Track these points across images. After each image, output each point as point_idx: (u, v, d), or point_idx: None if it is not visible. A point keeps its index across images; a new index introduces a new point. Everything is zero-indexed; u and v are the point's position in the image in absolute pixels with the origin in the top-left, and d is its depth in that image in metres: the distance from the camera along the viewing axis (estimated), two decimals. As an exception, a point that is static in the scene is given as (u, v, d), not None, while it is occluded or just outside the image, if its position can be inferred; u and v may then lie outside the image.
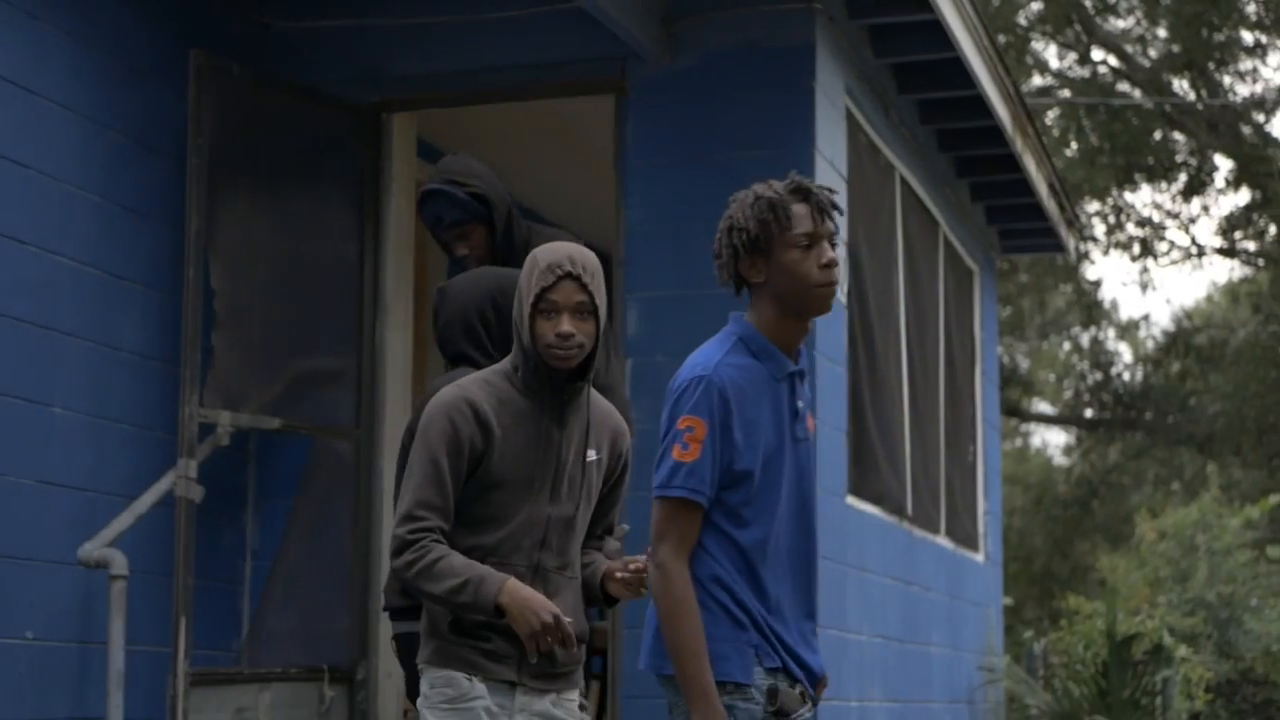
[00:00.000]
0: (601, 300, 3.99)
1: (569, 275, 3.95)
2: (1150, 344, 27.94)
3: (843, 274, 7.59)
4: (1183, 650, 10.98)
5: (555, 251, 3.95)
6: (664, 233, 7.36)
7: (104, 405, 6.81)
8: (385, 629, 7.47)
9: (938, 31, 7.91)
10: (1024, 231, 11.50)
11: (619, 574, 3.99)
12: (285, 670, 7.15)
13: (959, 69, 8.37)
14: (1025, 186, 10.28)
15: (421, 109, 8.00)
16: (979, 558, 10.79)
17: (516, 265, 5.73)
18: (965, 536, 10.39)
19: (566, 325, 3.90)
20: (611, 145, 7.63)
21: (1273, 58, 28.56)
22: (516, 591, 3.79)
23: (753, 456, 3.75)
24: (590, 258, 3.99)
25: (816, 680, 3.88)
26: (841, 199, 7.57)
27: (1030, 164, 9.95)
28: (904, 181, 9.01)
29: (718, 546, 3.75)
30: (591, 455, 4.05)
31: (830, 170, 7.43)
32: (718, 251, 3.94)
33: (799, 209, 3.88)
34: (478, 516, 3.93)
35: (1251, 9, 22.26)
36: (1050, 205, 10.76)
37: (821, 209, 3.89)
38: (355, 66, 7.80)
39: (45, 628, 6.46)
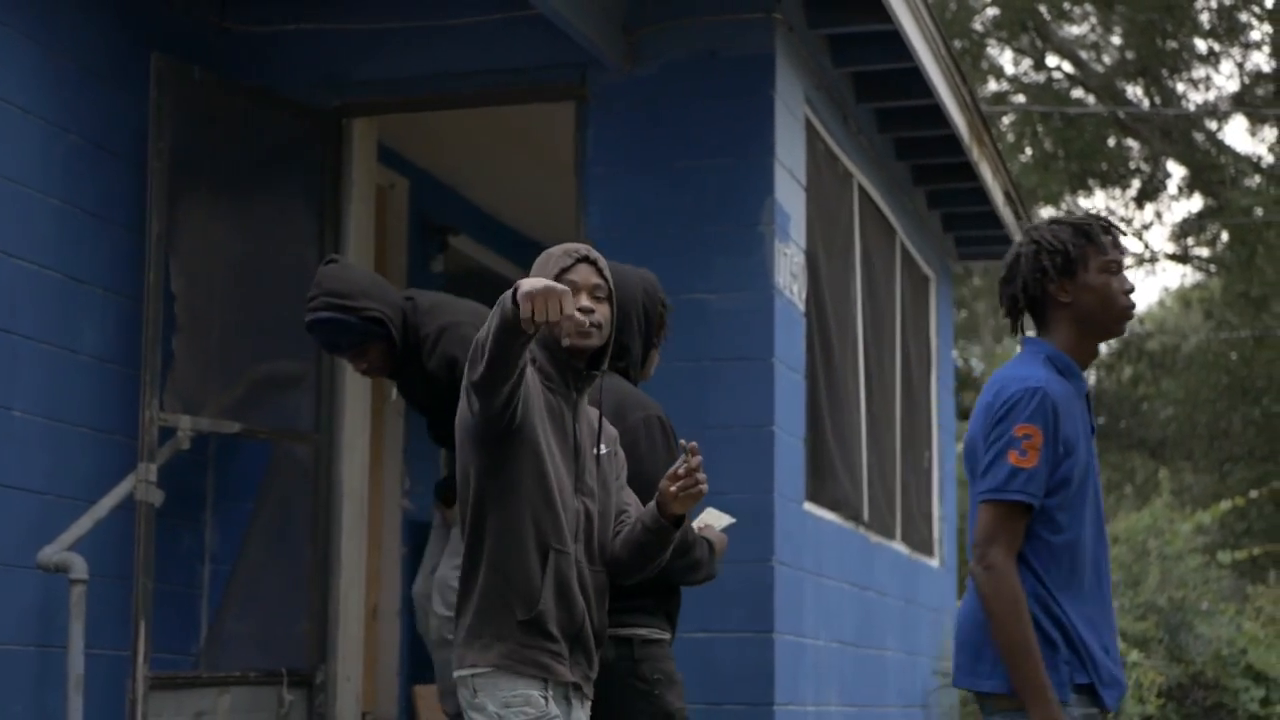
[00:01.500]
0: (614, 292, 4.09)
1: (586, 259, 4.06)
2: (1103, 348, 28.13)
3: (801, 281, 7.64)
4: (1135, 655, 11.07)
5: (567, 244, 4.09)
6: (623, 239, 7.39)
7: (64, 409, 6.80)
8: (344, 632, 7.51)
9: (896, 41, 7.97)
10: (980, 239, 11.58)
11: (672, 488, 3.96)
12: (244, 674, 7.16)
13: (917, 78, 8.43)
14: (981, 194, 10.36)
15: (382, 114, 8.01)
16: (934, 563, 10.86)
17: (420, 361, 5.86)
18: (920, 542, 10.45)
19: (586, 301, 3.98)
20: (572, 151, 7.66)
21: (1225, 66, 28.72)
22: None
23: (1070, 465, 3.96)
24: (599, 255, 4.10)
25: (1121, 693, 4.06)
26: (799, 207, 7.63)
27: (986, 172, 10.02)
28: (862, 189, 9.07)
29: (1034, 553, 3.95)
30: (604, 449, 4.11)
31: (789, 178, 7.48)
32: (1013, 274, 4.13)
33: (1105, 237, 4.12)
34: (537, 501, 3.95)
35: (1205, 17, 22.43)
36: (1006, 213, 10.83)
37: (1119, 241, 4.14)
38: (316, 71, 7.81)
39: (4, 632, 6.45)
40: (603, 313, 4.01)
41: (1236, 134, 48.58)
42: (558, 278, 4.00)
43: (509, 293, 3.67)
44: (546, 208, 10.26)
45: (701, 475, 3.94)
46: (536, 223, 10.82)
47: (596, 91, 7.52)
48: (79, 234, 6.93)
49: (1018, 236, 11.20)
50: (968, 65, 22.36)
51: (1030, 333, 4.16)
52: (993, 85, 24.17)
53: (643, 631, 4.40)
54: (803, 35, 7.79)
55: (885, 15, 7.69)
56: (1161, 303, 32.80)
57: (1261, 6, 22.58)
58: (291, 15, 7.82)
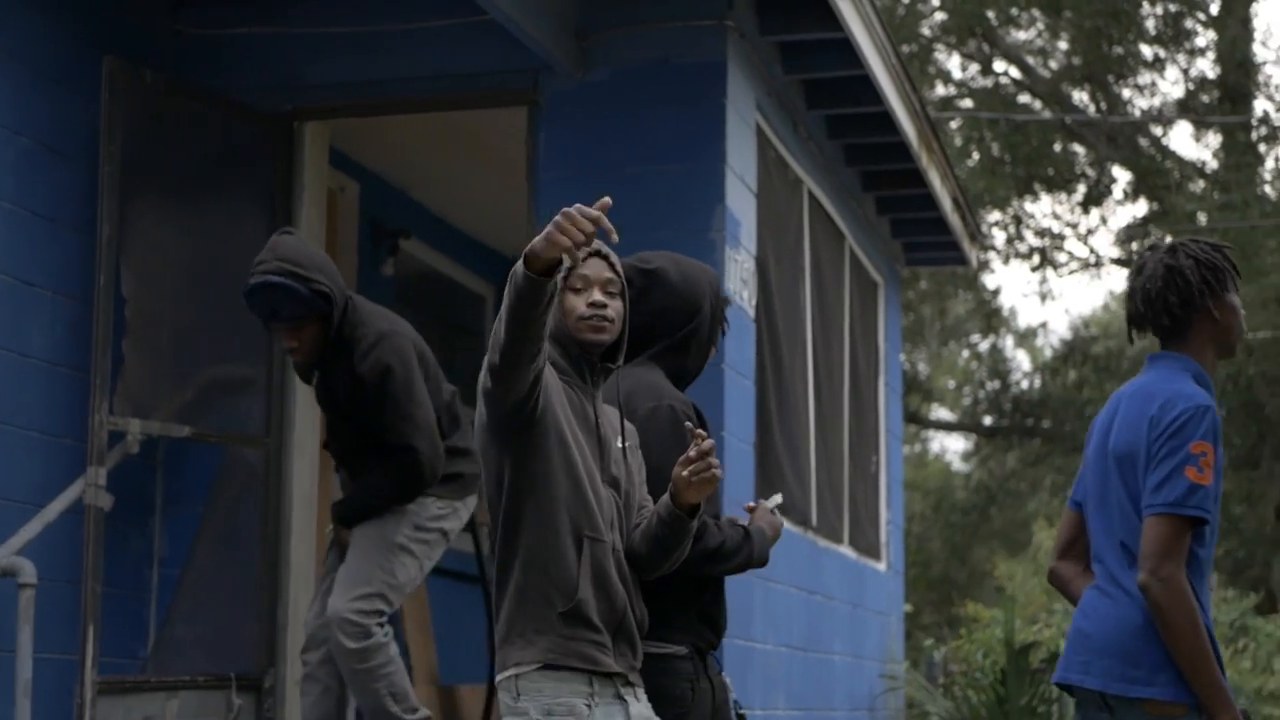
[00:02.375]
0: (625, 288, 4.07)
1: (598, 253, 4.02)
2: (1048, 352, 28.29)
3: (751, 287, 7.68)
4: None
5: None
6: (575, 245, 7.41)
7: (13, 412, 6.78)
8: (294, 636, 7.50)
9: (847, 49, 8.02)
10: (928, 245, 11.65)
11: (684, 473, 3.87)
12: (193, 678, 7.15)
13: (867, 86, 8.49)
14: (930, 201, 10.43)
15: (334, 118, 8.01)
16: (881, 567, 10.92)
17: (350, 360, 5.88)
18: (868, 546, 10.51)
19: (599, 295, 3.96)
20: (524, 156, 7.68)
21: (1170, 72, 28.93)
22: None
23: (1220, 479, 4.14)
24: (610, 250, 4.08)
25: None
26: (750, 213, 7.67)
27: (935, 179, 10.09)
28: (811, 195, 9.12)
29: (1189, 567, 4.08)
30: (624, 443, 4.07)
31: (740, 185, 7.52)
32: (1171, 286, 4.25)
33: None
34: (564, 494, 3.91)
35: (1150, 24, 22.59)
36: (954, 220, 10.91)
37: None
38: (268, 75, 7.81)
39: (-48, 636, 6.44)
40: (615, 308, 3.97)
41: (1181, 140, 48.86)
42: (570, 272, 3.96)
43: (519, 262, 3.62)
44: (498, 212, 10.27)
45: (714, 460, 3.87)
46: (488, 227, 10.83)
47: (548, 97, 7.54)
48: (29, 237, 6.91)
49: (965, 244, 11.17)
50: (916, 69, 22.47)
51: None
52: (940, 90, 24.29)
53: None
54: (754, 42, 7.83)
55: (836, 23, 7.74)
56: (1106, 306, 33.02)
57: (1206, 13, 22.75)
58: (244, 19, 7.82)
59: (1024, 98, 23.81)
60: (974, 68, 24.45)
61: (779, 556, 8.07)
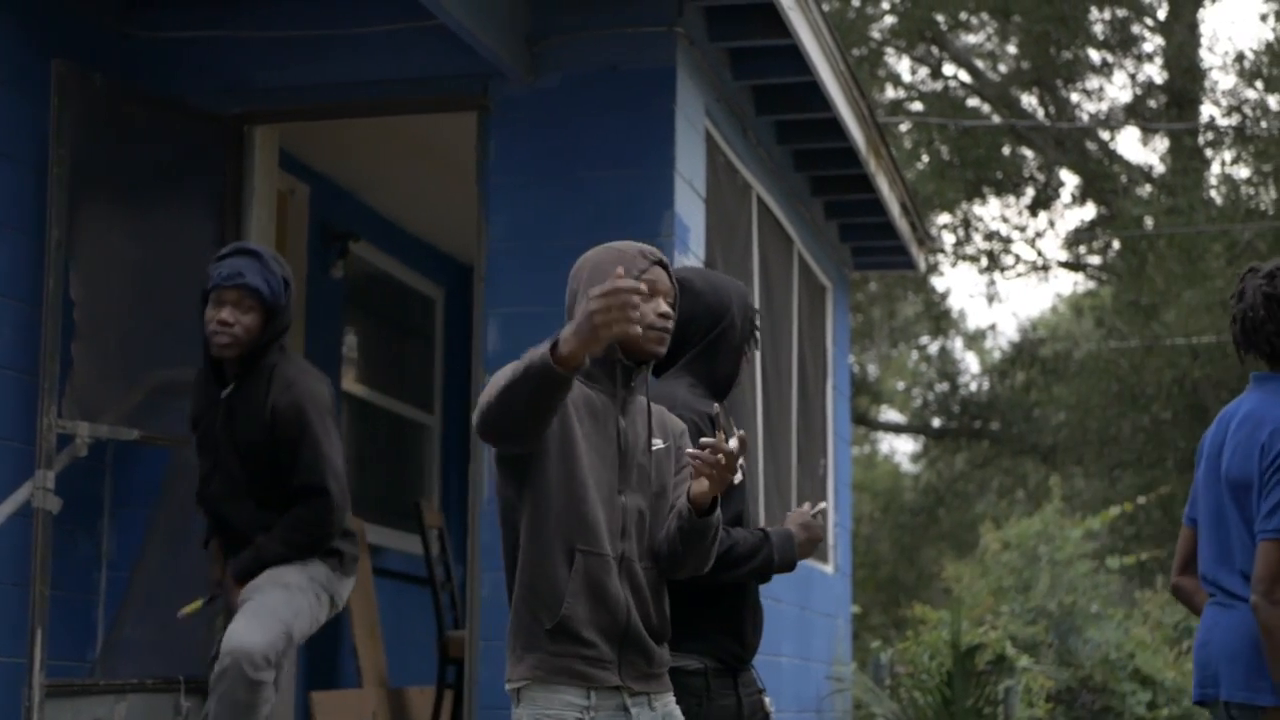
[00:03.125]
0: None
1: (660, 262, 4.01)
2: (996, 355, 28.43)
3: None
4: (1025, 660, 11.24)
5: (632, 245, 4.00)
6: (524, 249, 7.46)
7: (-39, 415, 6.78)
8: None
9: (796, 56, 8.08)
10: (876, 249, 11.72)
11: (695, 463, 3.77)
12: (141, 681, 7.14)
13: (815, 92, 8.55)
14: (878, 206, 10.50)
15: (284, 122, 8.02)
16: (828, 569, 10.98)
17: (263, 389, 5.80)
18: (816, 549, 10.56)
19: (665, 305, 3.94)
20: (474, 160, 7.71)
21: (1118, 77, 29.11)
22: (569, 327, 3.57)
23: None
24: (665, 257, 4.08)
25: None
26: (699, 218, 7.72)
27: (883, 185, 10.16)
28: (760, 200, 9.17)
29: None
30: (658, 444, 4.01)
31: (689, 190, 7.56)
32: (1269, 319, 4.50)
33: None
34: (561, 506, 3.86)
35: (1098, 29, 22.74)
36: (902, 225, 10.98)
37: None
38: (218, 78, 7.82)
39: (-101, 639, 6.43)
40: (672, 320, 3.95)
41: (1129, 144, 49.19)
42: (637, 279, 3.90)
43: (545, 344, 3.54)
44: (448, 215, 10.29)
45: (729, 448, 3.74)
46: (438, 230, 10.86)
47: (499, 102, 7.57)
48: (-23, 240, 6.90)
49: (913, 248, 11.21)
50: (866, 73, 22.57)
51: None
52: (890, 93, 24.40)
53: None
54: (704, 49, 7.88)
55: (785, 30, 7.79)
56: (1054, 309, 33.22)
57: (1154, 19, 22.92)
58: (194, 22, 7.82)
59: (973, 101, 23.93)
60: (923, 71, 24.57)
61: (727, 560, 8.12)
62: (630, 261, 3.95)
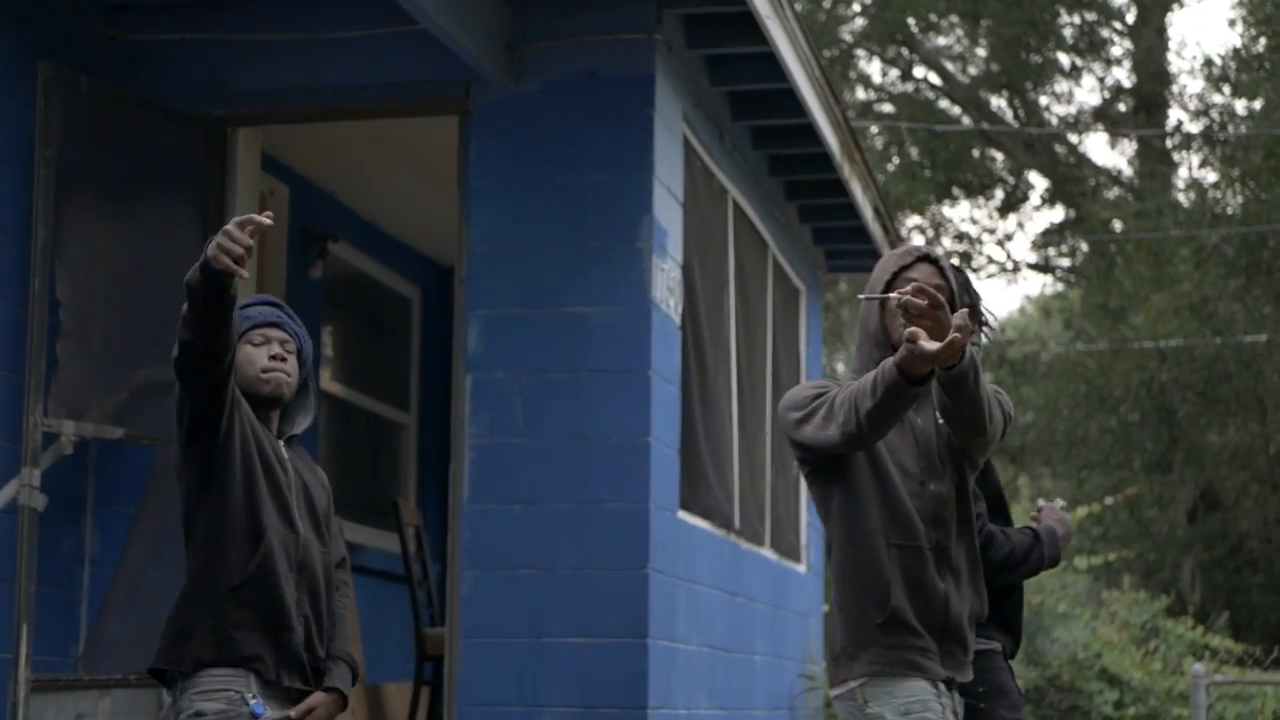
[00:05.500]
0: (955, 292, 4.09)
1: (926, 258, 4.08)
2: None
3: (677, 295, 7.84)
4: (994, 659, 11.35)
5: (909, 244, 4.12)
6: (504, 252, 7.56)
7: (-52, 414, 6.85)
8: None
9: (772, 63, 8.20)
10: (849, 252, 11.84)
11: (906, 302, 3.74)
12: (125, 676, 7.23)
13: (791, 99, 8.67)
14: (851, 210, 10.62)
15: (267, 124, 8.11)
16: (801, 568, 11.09)
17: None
18: (788, 548, 10.69)
19: (959, 318, 3.80)
20: (455, 164, 7.80)
21: (1087, 80, 29.28)
22: (905, 354, 3.67)
23: None
24: (940, 255, 4.13)
25: None
26: (676, 222, 7.83)
27: (857, 189, 10.28)
28: (736, 205, 9.28)
29: None
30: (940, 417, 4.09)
31: (667, 195, 7.67)
32: None
33: None
34: (865, 498, 3.97)
35: (1068, 32, 22.91)
36: (875, 228, 11.10)
37: None
38: (201, 81, 7.89)
39: (-113, 635, 6.49)
40: (961, 318, 3.78)
41: (1097, 147, 49.39)
42: (895, 275, 4.01)
43: (890, 363, 3.72)
44: (428, 218, 10.38)
45: (929, 297, 3.72)
46: (418, 232, 10.94)
47: (480, 107, 7.67)
48: (-35, 240, 6.97)
49: (886, 251, 11.43)
50: (837, 74, 22.69)
51: None
52: (861, 94, 24.53)
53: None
54: (681, 56, 7.99)
55: (762, 38, 7.91)
56: (1023, 311, 33.39)
57: (1123, 23, 23.10)
58: (178, 25, 7.90)
59: (943, 103, 24.08)
60: (894, 73, 24.72)
61: (702, 559, 8.24)
62: (894, 260, 4.09)
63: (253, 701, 4.24)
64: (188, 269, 7.13)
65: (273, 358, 4.55)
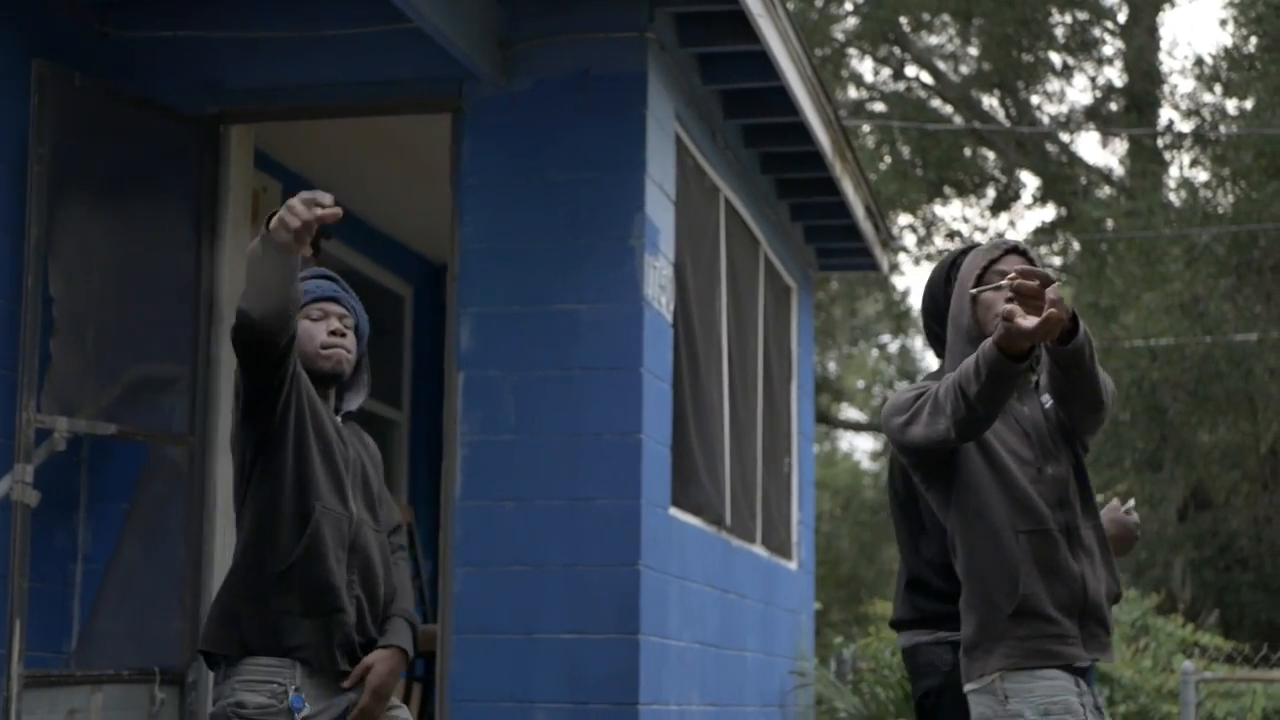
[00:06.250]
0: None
1: (1015, 249, 4.08)
2: (957, 354, 28.57)
3: (669, 292, 7.86)
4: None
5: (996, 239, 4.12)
6: (497, 250, 7.58)
7: (-59, 410, 6.86)
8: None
9: (764, 61, 8.22)
10: (841, 251, 11.87)
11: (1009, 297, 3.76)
12: (117, 672, 7.25)
13: (783, 97, 8.69)
14: (843, 208, 10.65)
15: (260, 122, 8.12)
16: (792, 565, 11.12)
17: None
18: (779, 545, 10.71)
19: (1054, 292, 3.77)
20: (447, 162, 7.82)
21: (1079, 80, 29.36)
22: (1004, 332, 3.69)
23: None
24: (1028, 246, 4.12)
25: None
26: (668, 220, 7.85)
27: (848, 187, 10.31)
28: (728, 203, 9.31)
29: None
30: (1047, 400, 4.10)
31: (659, 193, 7.69)
32: None
33: None
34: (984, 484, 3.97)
35: (1059, 32, 22.94)
36: (866, 226, 11.13)
37: None
38: (194, 78, 7.91)
39: (-120, 630, 6.51)
40: (1056, 293, 3.76)
41: (1088, 147, 49.43)
42: (985, 269, 4.03)
43: (989, 343, 3.74)
44: (421, 215, 10.40)
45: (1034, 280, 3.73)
46: (410, 230, 10.96)
47: (473, 105, 7.69)
48: (-42, 237, 6.98)
49: (877, 250, 11.39)
50: (829, 73, 22.73)
51: None
52: (853, 93, 24.56)
53: None
54: (674, 54, 8.02)
55: (754, 36, 7.94)
56: (1014, 309, 33.34)
57: (1114, 23, 23.14)
58: (172, 22, 7.92)
59: (935, 102, 24.12)
60: (886, 72, 24.75)
61: (693, 556, 8.27)
62: (982, 254, 4.09)
63: (292, 695, 4.16)
64: (181, 265, 7.20)
65: (332, 333, 4.44)
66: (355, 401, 4.59)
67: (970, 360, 3.81)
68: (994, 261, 4.08)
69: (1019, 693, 3.85)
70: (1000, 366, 3.74)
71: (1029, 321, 3.68)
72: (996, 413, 3.85)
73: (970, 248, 4.46)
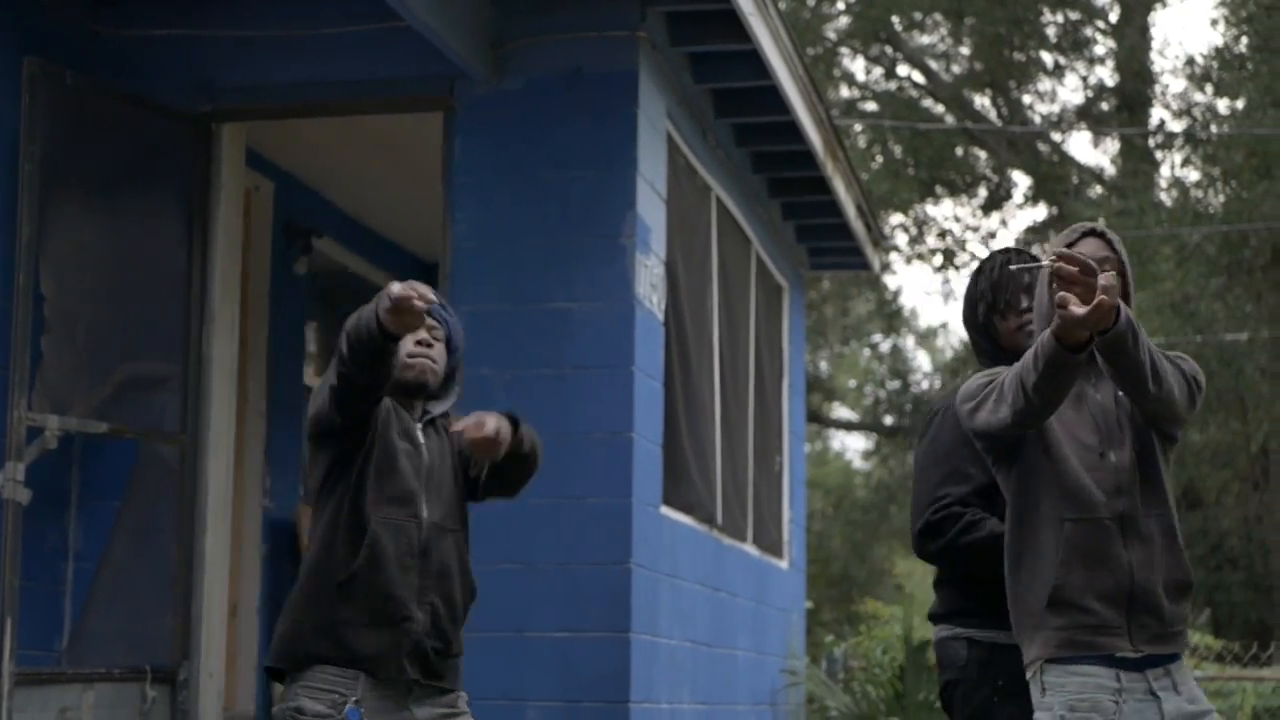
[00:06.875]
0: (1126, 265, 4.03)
1: (1093, 232, 4.05)
2: (948, 353, 28.65)
3: (660, 291, 7.87)
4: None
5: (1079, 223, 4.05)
6: (489, 248, 7.59)
7: (-68, 408, 6.86)
8: (208, 629, 7.62)
9: (755, 60, 8.23)
10: (832, 250, 11.88)
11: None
12: (109, 670, 7.25)
13: (774, 96, 8.70)
14: (834, 207, 10.66)
15: (251, 120, 8.12)
16: (783, 564, 11.13)
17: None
18: (770, 544, 10.72)
19: (1105, 279, 3.73)
20: (439, 160, 7.83)
21: (1070, 79, 29.37)
22: (1060, 322, 3.71)
23: None
24: (1107, 229, 4.08)
25: None
26: (660, 219, 7.86)
27: (839, 186, 10.32)
28: (719, 202, 9.32)
29: None
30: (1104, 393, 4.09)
31: (650, 192, 7.70)
32: None
33: None
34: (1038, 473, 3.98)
35: (1051, 31, 22.96)
36: (857, 225, 11.15)
37: None
38: (186, 76, 7.91)
39: None
40: (1107, 280, 3.71)
41: (1080, 146, 49.50)
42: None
43: (1047, 333, 3.74)
44: (413, 214, 10.40)
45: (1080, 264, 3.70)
46: (402, 228, 10.96)
47: (464, 103, 7.69)
48: (-50, 235, 6.98)
49: (868, 249, 11.37)
50: (820, 73, 22.73)
51: None
52: (845, 92, 24.57)
53: (992, 634, 4.30)
54: (665, 53, 8.02)
55: (745, 35, 7.95)
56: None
57: (1106, 22, 23.16)
58: (163, 21, 7.92)
59: (927, 101, 24.13)
60: (878, 71, 24.76)
61: (684, 554, 8.28)
62: (1062, 238, 4.07)
63: (348, 708, 4.18)
64: (172, 263, 7.20)
65: (419, 343, 4.41)
66: (440, 407, 4.58)
67: (1031, 350, 3.83)
68: (1071, 245, 4.04)
69: (1054, 686, 3.87)
70: (1057, 357, 3.75)
71: (1080, 309, 3.67)
72: (1055, 403, 3.87)
73: (1004, 250, 4.51)
